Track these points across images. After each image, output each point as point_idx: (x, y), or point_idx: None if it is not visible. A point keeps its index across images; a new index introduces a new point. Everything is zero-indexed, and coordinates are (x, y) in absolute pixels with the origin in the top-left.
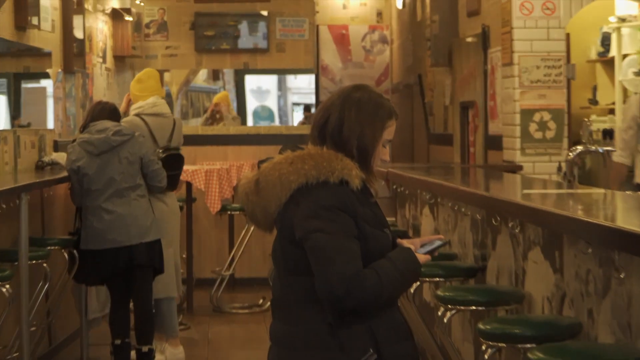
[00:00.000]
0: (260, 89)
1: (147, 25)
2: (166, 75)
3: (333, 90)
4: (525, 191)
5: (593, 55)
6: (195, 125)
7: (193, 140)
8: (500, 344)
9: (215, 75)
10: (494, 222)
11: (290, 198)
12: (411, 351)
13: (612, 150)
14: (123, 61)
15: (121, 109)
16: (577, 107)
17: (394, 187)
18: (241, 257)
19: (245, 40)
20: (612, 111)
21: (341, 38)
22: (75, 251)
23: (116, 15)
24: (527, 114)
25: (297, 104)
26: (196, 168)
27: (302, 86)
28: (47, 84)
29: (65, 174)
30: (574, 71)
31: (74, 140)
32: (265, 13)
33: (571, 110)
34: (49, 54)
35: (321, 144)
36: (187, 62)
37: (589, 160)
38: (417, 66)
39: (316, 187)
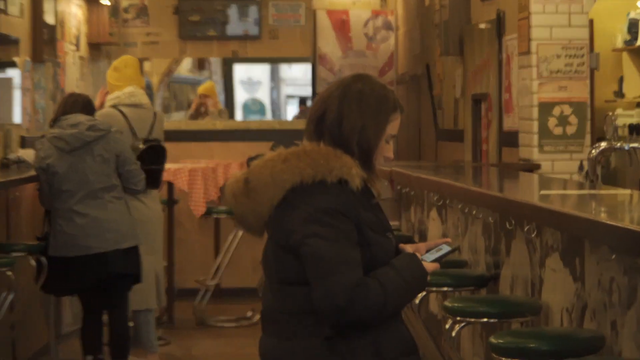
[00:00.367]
0: (251, 80)
1: (126, 10)
2: (146, 65)
3: (332, 81)
4: (543, 192)
5: (619, 43)
6: (178, 120)
7: (176, 136)
8: None
9: (200, 64)
10: (508, 226)
11: (284, 199)
12: None
13: (639, 148)
14: (99, 49)
15: (96, 103)
16: (601, 100)
17: (398, 187)
18: (228, 265)
19: (235, 27)
20: (639, 105)
21: (341, 24)
22: (43, 258)
23: None
24: (545, 107)
25: (292, 97)
26: (179, 167)
27: (297, 77)
28: (14, 74)
29: (33, 173)
30: (597, 61)
31: (43, 136)
32: None
33: (595, 104)
34: (16, 41)
35: (318, 140)
36: (170, 51)
37: (613, 159)
38: (425, 55)
39: (312, 187)
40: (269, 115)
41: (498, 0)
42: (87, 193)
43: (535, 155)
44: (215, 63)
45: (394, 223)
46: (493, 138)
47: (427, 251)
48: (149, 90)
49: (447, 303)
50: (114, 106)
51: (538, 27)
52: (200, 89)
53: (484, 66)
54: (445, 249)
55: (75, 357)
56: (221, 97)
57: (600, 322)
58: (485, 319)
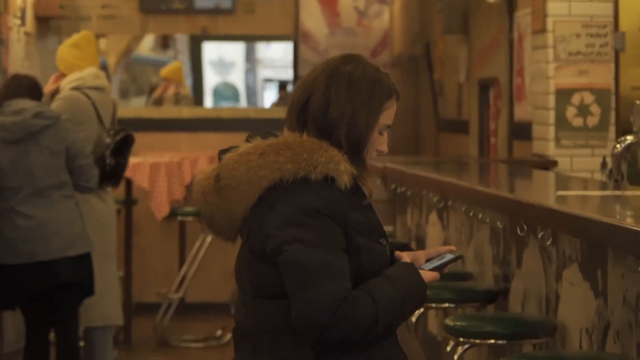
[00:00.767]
0: (223, 61)
1: None
2: (102, 42)
3: (317, 62)
4: (560, 193)
5: None
6: (138, 107)
7: (135, 125)
8: None
9: (164, 42)
10: (519, 232)
11: (260, 199)
12: None
13: None
14: (47, 24)
15: (46, 89)
16: (628, 87)
17: (393, 187)
18: (194, 275)
19: None
20: None
21: None
22: None
23: None
24: (563, 95)
25: (270, 81)
26: (139, 161)
27: (277, 57)
28: None
29: None
30: (623, 41)
31: None
32: None
33: (620, 91)
34: None
35: (300, 131)
36: (130, 26)
37: None
38: (425, 34)
39: (293, 185)
40: (243, 102)
41: None
42: (32, 191)
43: (551, 150)
44: (181, 41)
45: (387, 228)
46: (502, 130)
47: (427, 261)
48: (104, 71)
49: (448, 322)
50: (78, 88)
51: (555, 1)
52: (164, 72)
53: (492, 46)
54: (448, 257)
55: None
56: (188, 81)
57: (625, 344)
58: (492, 341)
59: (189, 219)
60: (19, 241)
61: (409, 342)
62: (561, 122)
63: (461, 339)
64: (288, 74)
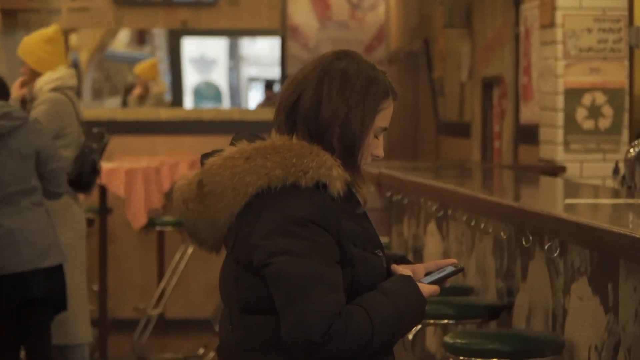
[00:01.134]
0: (204, 58)
1: None
2: (73, 38)
3: (306, 59)
4: (569, 201)
5: None
6: (112, 108)
7: (109, 127)
8: None
9: (141, 38)
10: (524, 243)
11: (247, 207)
12: None
13: None
14: (14, 17)
15: (14, 95)
16: None
17: (389, 194)
18: (174, 290)
19: None
20: None
21: None
22: None
23: None
24: (573, 95)
25: (255, 79)
26: (114, 166)
27: (263, 54)
28: None
29: None
30: (638, 37)
31: None
32: None
33: (634, 91)
34: None
35: (290, 133)
36: (103, 20)
37: None
38: (424, 28)
39: (282, 192)
40: (226, 103)
41: None
42: (1, 197)
43: (560, 155)
44: (159, 36)
45: (382, 239)
46: (507, 133)
47: (427, 274)
48: (76, 69)
49: (447, 339)
50: (57, 89)
51: None
52: (137, 70)
53: (496, 42)
54: (449, 269)
55: None
56: (166, 80)
57: None
58: (495, 359)
59: (168, 229)
60: None
61: None
62: (570, 124)
63: (461, 358)
64: (275, 73)
